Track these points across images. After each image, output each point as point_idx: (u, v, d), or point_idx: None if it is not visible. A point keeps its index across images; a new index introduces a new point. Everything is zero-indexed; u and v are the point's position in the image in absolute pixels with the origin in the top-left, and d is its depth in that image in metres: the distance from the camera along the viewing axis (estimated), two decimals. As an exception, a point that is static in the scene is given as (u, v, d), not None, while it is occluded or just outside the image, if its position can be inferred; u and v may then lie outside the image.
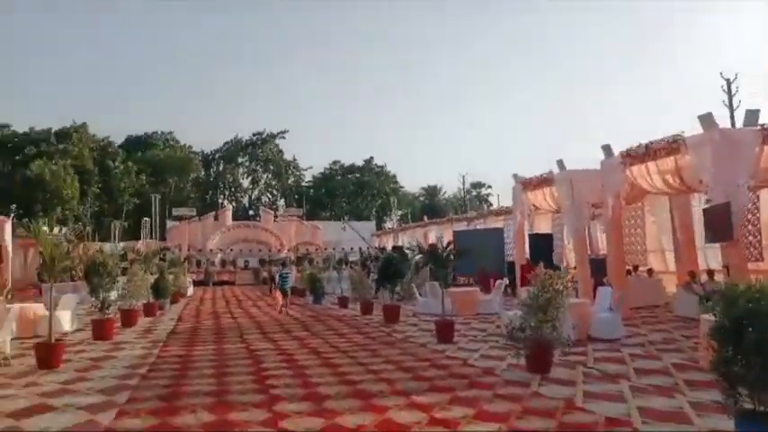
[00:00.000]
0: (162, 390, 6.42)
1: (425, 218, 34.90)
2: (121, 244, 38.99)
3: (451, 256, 10.58)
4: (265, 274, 34.47)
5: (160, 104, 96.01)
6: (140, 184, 56.75)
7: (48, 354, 7.91)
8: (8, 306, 10.49)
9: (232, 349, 9.48)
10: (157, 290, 17.93)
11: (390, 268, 12.72)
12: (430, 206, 64.42)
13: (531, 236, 18.82)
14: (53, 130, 53.92)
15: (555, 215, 19.27)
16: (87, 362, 8.36)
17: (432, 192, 74.17)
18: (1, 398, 6.08)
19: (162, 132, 67.19)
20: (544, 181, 15.14)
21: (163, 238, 43.05)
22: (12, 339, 10.49)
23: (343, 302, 17.34)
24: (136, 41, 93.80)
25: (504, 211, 23.91)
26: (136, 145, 63.63)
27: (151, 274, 18.61)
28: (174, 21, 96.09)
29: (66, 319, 11.96)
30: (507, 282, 16.11)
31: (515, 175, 16.91)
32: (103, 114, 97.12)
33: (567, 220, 15.72)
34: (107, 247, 37.60)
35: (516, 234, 17.48)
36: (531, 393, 6.10)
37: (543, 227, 20.86)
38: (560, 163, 14.71)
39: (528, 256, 17.00)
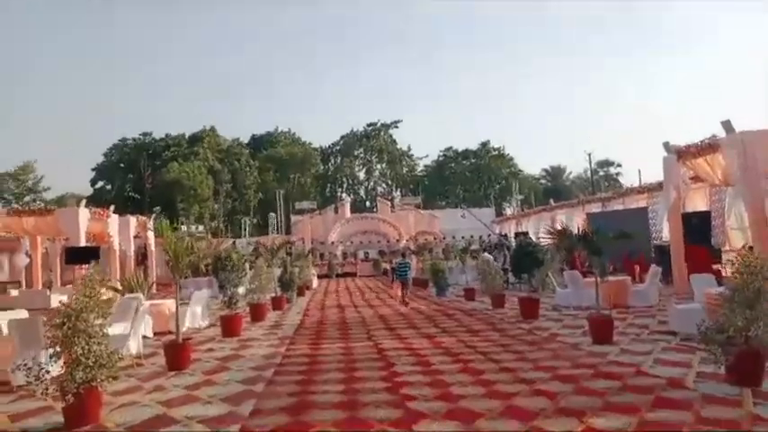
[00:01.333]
0: (288, 399, 5.75)
1: (551, 201, 32.41)
2: (252, 239, 41.16)
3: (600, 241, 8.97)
4: (386, 265, 34.35)
5: (281, 104, 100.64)
6: (265, 180, 59.69)
7: (175, 355, 7.68)
8: (142, 304, 10.72)
9: (360, 348, 8.75)
10: (284, 283, 18.12)
11: (526, 256, 11.31)
12: (553, 188, 60.76)
13: (682, 215, 16.26)
14: (186, 135, 58.61)
15: (713, 189, 16.50)
16: (215, 362, 8.05)
17: (555, 173, 69.87)
18: (125, 406, 5.76)
19: (283, 130, 70.42)
20: (707, 147, 12.75)
21: (288, 232, 44.69)
22: (151, 336, 10.93)
23: (469, 294, 16.17)
24: (252, 46, 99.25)
25: (647, 189, 21.13)
26: (260, 144, 67.22)
27: (277, 267, 18.84)
28: (283, 22, 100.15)
29: (198, 315, 12.13)
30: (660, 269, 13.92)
31: (667, 144, 14.54)
32: (231, 117, 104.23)
33: (737, 192, 13.17)
34: (238, 243, 39.93)
35: (671, 212, 15.10)
36: (750, 417, 4.56)
37: (697, 204, 18.05)
38: (728, 124, 12.24)
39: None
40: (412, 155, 71.58)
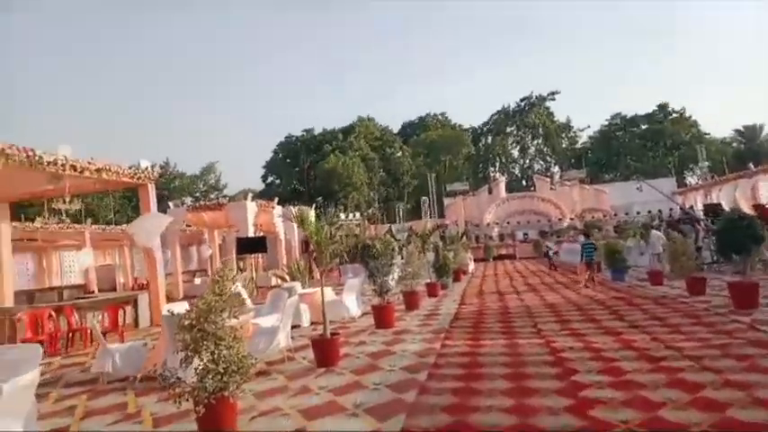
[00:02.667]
0: (442, 417, 4.72)
1: (751, 166, 27.16)
2: (407, 224, 41.20)
3: None
4: (549, 246, 31.95)
5: (430, 89, 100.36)
6: (417, 165, 59.72)
7: (323, 351, 7.11)
8: (295, 293, 10.54)
9: (527, 346, 7.42)
10: (438, 268, 17.26)
11: (737, 231, 8.91)
12: (748, 151, 51.73)
13: None
14: (339, 128, 61.14)
15: None
16: (365, 359, 7.34)
17: (750, 134, 59.45)
18: (264, 415, 5.19)
19: (434, 114, 69.82)
20: None
21: (441, 216, 43.99)
22: (308, 325, 10.74)
23: (655, 278, 13.75)
24: (398, 38, 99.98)
25: None
26: (411, 129, 67.55)
27: (430, 252, 18.04)
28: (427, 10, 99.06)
29: (352, 305, 11.71)
30: None
31: None
32: (384, 105, 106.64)
33: None
34: (394, 228, 40.21)
35: None
36: None
37: None
38: None
39: None
40: (572, 127, 66.27)
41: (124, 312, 10.99)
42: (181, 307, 8.58)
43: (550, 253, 22.90)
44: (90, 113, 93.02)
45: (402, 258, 13.53)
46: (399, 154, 60.53)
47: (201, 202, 24.98)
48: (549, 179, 45.76)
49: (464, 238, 25.55)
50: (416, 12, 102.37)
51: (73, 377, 7.77)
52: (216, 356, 4.51)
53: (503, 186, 43.63)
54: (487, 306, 12.16)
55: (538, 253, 32.91)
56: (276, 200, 25.19)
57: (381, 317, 9.91)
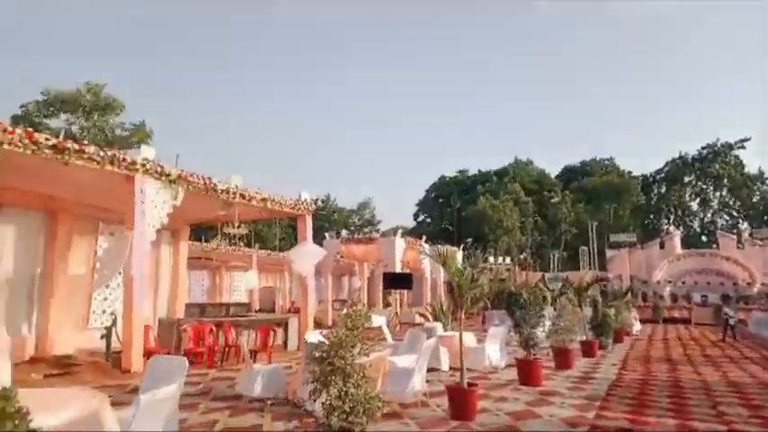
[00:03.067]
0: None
1: None
2: (562, 273, 38.68)
3: None
4: (728, 313, 27.69)
5: (597, 131, 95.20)
6: (577, 212, 56.29)
7: (458, 402, 6.61)
8: (435, 335, 10.16)
9: (704, 433, 6.15)
10: (596, 326, 15.70)
11: None
12: None
13: None
14: (492, 170, 60.34)
15: None
16: (504, 418, 6.66)
17: None
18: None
19: (600, 159, 65.69)
20: None
21: (603, 268, 40.58)
22: (447, 370, 10.26)
23: None
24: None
25: None
26: (572, 174, 64.19)
27: (588, 306, 16.57)
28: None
29: (495, 354, 10.99)
30: None
31: None
32: (543, 148, 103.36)
33: None
34: (547, 276, 37.98)
35: None
36: None
37: None
38: None
39: None
40: (766, 178, 57.59)
41: (275, 334, 11.54)
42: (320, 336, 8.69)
43: (731, 321, 19.64)
44: (263, 145, 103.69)
45: (555, 310, 12.47)
46: (557, 199, 57.60)
47: (355, 236, 26.01)
48: (735, 236, 39.88)
49: (629, 294, 23.05)
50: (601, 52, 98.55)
51: (221, 391, 8.20)
52: (343, 394, 4.31)
53: (678, 241, 38.97)
54: (654, 376, 10.56)
55: (718, 320, 28.52)
56: (424, 238, 25.29)
57: (527, 372, 9.07)
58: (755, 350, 15.96)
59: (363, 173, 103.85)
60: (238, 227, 12.66)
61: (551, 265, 40.27)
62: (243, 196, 12.32)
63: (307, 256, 13.75)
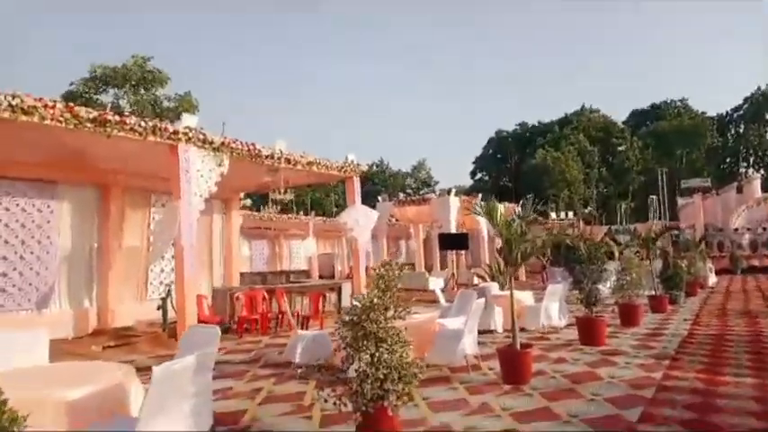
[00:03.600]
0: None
1: None
2: (631, 226, 36.86)
3: None
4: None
5: (673, 73, 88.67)
6: (645, 159, 53.14)
7: (511, 364, 6.23)
8: (489, 294, 9.75)
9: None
10: (666, 279, 14.77)
11: None
12: None
13: None
14: (555, 120, 57.62)
15: None
16: (561, 381, 6.23)
17: None
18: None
19: (672, 101, 61.10)
20: None
21: (674, 218, 38.33)
22: (501, 332, 9.86)
23: None
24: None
25: None
26: (641, 119, 60.34)
27: (656, 259, 15.61)
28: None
29: (554, 312, 10.45)
30: None
31: None
32: (609, 96, 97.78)
33: None
34: (615, 229, 36.25)
35: None
36: None
37: None
38: None
39: None
40: None
41: (325, 299, 11.48)
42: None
43: None
44: (313, 116, 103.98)
45: (620, 264, 11.70)
46: (624, 147, 54.35)
47: (408, 198, 25.62)
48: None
49: (702, 244, 21.56)
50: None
51: (271, 358, 8.20)
52: (375, 360, 4.03)
53: (758, 184, 36.02)
54: (732, 330, 9.73)
55: (805, 268, 26.43)
56: (480, 196, 24.54)
57: (588, 331, 8.53)
58: None
59: (421, 135, 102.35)
60: (285, 192, 12.54)
61: (618, 217, 38.31)
62: (288, 161, 12.15)
63: (358, 218, 13.55)
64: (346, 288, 13.89)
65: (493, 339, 8.92)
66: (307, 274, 24.00)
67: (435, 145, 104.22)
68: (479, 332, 7.77)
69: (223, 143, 10.62)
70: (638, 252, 16.02)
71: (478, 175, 64.33)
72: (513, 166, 56.67)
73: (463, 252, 23.82)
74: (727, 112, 58.19)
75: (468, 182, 63.16)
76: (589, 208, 48.33)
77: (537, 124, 60.64)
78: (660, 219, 37.47)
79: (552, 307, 10.37)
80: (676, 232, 30.16)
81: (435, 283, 21.82)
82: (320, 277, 34.01)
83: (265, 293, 10.83)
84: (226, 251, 13.89)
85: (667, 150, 53.04)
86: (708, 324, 10.49)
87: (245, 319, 10.36)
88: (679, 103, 60.59)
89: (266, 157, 11.53)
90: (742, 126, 57.00)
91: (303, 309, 11.08)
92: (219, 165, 10.64)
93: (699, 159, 53.88)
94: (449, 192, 22.77)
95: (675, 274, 14.80)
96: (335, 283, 13.79)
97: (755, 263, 27.26)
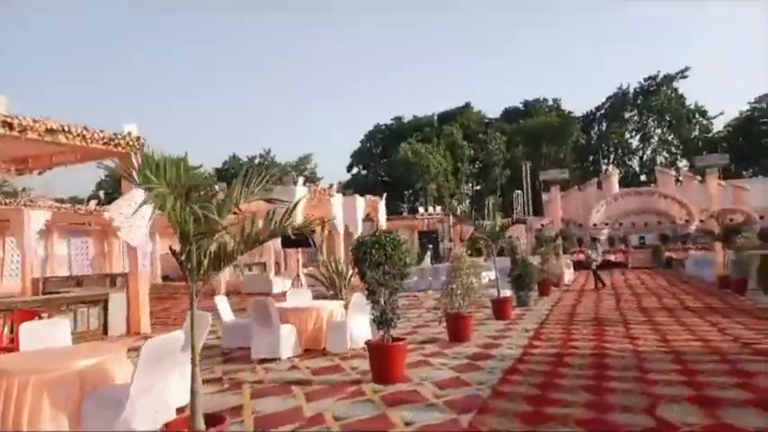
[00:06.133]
0: None
1: None
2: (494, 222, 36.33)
3: None
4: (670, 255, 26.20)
5: (546, 71, 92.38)
6: (514, 156, 54.03)
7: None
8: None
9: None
10: (516, 278, 13.16)
11: None
12: None
13: None
14: (435, 115, 57.15)
15: None
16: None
17: None
18: None
19: (543, 99, 62.76)
20: None
21: (539, 213, 38.59)
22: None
23: None
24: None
25: None
26: (513, 116, 61.43)
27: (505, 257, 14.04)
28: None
29: (363, 330, 8.00)
30: None
31: None
32: (487, 91, 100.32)
33: None
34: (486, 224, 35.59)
35: None
36: None
37: None
38: None
39: None
40: (705, 111, 56.48)
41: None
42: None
43: (593, 266, 17.50)
44: (192, 110, 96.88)
45: (450, 263, 9.54)
46: (497, 142, 54.74)
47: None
48: (674, 173, 38.50)
49: (559, 239, 20.64)
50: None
51: None
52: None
53: (615, 180, 37.23)
54: (574, 346, 7.80)
55: (657, 262, 26.96)
56: (335, 186, 22.02)
57: (380, 361, 6.05)
58: (698, 297, 13.70)
59: (305, 129, 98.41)
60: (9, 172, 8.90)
61: (486, 212, 37.93)
62: (9, 125, 8.58)
63: (131, 212, 10.15)
64: (117, 301, 10.49)
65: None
66: (78, 281, 19.70)
67: (323, 140, 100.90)
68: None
69: None
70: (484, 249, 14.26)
71: (355, 170, 62.27)
72: (385, 160, 55.26)
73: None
74: (591, 111, 61.00)
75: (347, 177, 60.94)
76: (457, 202, 47.95)
77: (412, 119, 59.67)
78: (525, 214, 37.49)
79: (358, 323, 7.88)
80: (539, 227, 29.80)
81: (281, 287, 18.93)
82: (164, 279, 29.77)
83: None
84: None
85: (535, 147, 54.36)
86: (549, 338, 8.54)
87: None
88: (551, 102, 62.53)
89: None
90: (604, 124, 60.02)
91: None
92: None
93: (566, 157, 55.83)
94: (295, 181, 19.94)
95: (525, 273, 13.18)
96: (97, 294, 10.30)
97: (611, 258, 27.37)
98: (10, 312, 7.68)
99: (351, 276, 9.85)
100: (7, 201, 18.83)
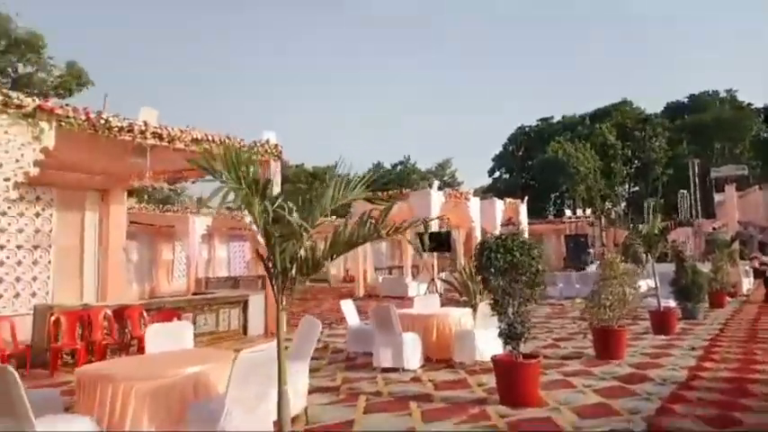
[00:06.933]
0: None
1: None
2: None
3: None
4: None
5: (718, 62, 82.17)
6: (676, 153, 48.24)
7: None
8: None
9: None
10: (681, 288, 11.41)
11: None
12: None
13: None
14: (587, 114, 53.59)
15: None
16: None
17: None
18: None
19: (713, 92, 55.49)
20: None
21: (710, 216, 33.91)
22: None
23: None
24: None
25: None
26: (677, 112, 55.09)
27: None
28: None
29: (491, 341, 7.28)
30: None
31: None
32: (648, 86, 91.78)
33: None
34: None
35: None
36: None
37: None
38: None
39: None
40: None
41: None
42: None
43: None
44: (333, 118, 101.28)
45: (598, 270, 8.42)
46: (658, 140, 49.28)
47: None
48: None
49: (736, 244, 17.73)
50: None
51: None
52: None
53: (809, 176, 31.40)
54: (757, 370, 6.32)
55: None
56: (472, 191, 21.28)
57: (510, 381, 5.32)
58: None
59: (445, 133, 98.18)
60: (154, 180, 9.64)
61: (645, 215, 34.18)
62: (159, 136, 9.29)
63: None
64: (256, 302, 10.92)
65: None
66: (235, 281, 20.87)
67: (460, 144, 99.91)
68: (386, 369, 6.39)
69: (41, 108, 7.84)
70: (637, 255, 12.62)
71: (497, 174, 60.34)
72: (530, 162, 52.57)
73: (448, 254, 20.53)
74: (774, 101, 52.39)
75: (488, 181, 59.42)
76: (610, 204, 43.93)
77: (561, 119, 56.23)
78: (692, 216, 33.11)
79: (487, 333, 7.17)
80: (710, 230, 26.10)
81: (417, 291, 18.71)
82: (312, 281, 31.35)
83: (89, 314, 7.90)
84: (102, 256, 11.00)
85: (704, 144, 47.89)
86: (724, 358, 7.06)
87: (59, 349, 7.49)
88: (724, 94, 55.03)
89: (120, 129, 8.70)
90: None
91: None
92: (37, 138, 7.88)
93: (743, 152, 48.51)
94: (430, 185, 19.62)
95: (693, 283, 11.31)
96: (238, 296, 10.77)
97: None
98: (156, 311, 8.25)
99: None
100: (175, 209, 20.96)
